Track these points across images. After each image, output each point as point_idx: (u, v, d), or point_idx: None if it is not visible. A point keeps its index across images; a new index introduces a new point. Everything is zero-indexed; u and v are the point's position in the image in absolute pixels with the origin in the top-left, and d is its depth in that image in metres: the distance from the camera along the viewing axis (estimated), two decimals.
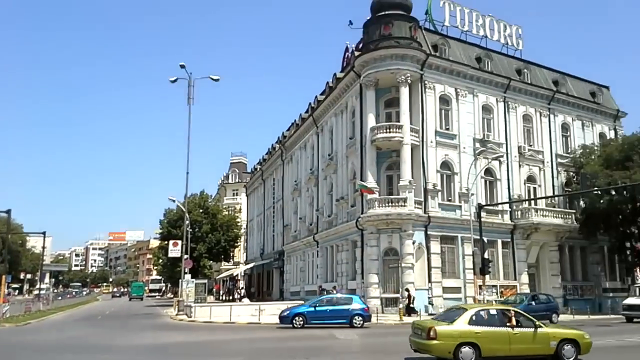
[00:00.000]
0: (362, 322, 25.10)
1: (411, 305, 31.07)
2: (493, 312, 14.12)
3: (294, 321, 24.93)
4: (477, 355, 12.94)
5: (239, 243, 68.51)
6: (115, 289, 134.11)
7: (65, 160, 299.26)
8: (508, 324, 13.46)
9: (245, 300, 43.83)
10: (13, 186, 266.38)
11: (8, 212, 43.41)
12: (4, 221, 56.97)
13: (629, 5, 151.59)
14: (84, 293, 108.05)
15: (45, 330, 26.72)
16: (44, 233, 55.13)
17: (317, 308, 25.56)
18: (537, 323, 13.76)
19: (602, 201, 38.36)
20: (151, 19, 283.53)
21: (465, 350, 12.89)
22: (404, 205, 33.27)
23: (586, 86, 47.12)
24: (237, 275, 72.05)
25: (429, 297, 33.08)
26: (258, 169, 70.46)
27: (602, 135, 45.61)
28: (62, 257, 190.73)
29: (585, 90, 46.61)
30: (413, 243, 33.11)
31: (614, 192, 37.33)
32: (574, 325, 19.83)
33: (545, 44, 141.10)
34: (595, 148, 41.93)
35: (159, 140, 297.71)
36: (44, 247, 69.91)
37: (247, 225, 76.12)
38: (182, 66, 32.78)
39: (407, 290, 31.77)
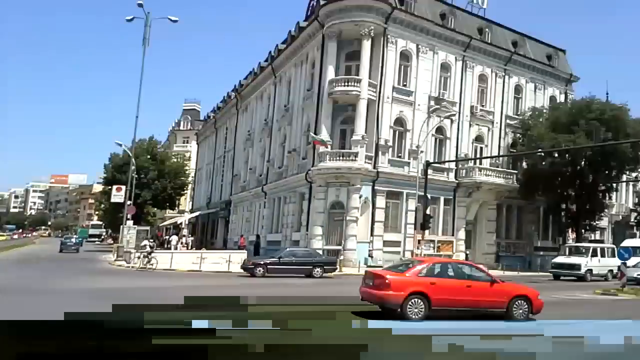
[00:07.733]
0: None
1: None
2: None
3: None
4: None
5: (185, 191, 68.21)
6: (60, 233, 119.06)
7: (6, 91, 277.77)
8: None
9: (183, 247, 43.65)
10: None
11: None
12: None
13: None
14: (15, 236, 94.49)
15: None
16: None
17: None
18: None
19: (544, 163, 39.82)
20: None
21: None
22: (355, 160, 33.99)
23: (544, 49, 47.67)
24: (181, 223, 70.46)
25: (369, 250, 34.60)
26: (212, 117, 69.50)
27: (552, 99, 46.48)
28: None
29: (543, 52, 47.21)
30: (360, 197, 34.20)
31: (556, 155, 38.66)
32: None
33: (509, 1, 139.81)
34: (545, 111, 42.81)
35: (110, 81, 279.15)
36: None
37: (195, 174, 75.49)
38: (140, 5, 31.33)
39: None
